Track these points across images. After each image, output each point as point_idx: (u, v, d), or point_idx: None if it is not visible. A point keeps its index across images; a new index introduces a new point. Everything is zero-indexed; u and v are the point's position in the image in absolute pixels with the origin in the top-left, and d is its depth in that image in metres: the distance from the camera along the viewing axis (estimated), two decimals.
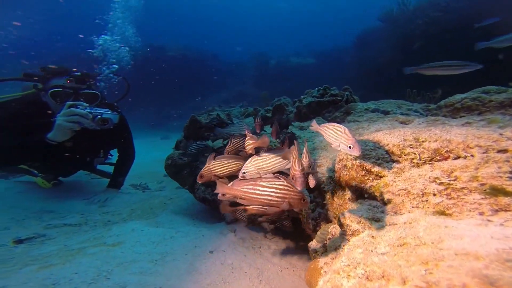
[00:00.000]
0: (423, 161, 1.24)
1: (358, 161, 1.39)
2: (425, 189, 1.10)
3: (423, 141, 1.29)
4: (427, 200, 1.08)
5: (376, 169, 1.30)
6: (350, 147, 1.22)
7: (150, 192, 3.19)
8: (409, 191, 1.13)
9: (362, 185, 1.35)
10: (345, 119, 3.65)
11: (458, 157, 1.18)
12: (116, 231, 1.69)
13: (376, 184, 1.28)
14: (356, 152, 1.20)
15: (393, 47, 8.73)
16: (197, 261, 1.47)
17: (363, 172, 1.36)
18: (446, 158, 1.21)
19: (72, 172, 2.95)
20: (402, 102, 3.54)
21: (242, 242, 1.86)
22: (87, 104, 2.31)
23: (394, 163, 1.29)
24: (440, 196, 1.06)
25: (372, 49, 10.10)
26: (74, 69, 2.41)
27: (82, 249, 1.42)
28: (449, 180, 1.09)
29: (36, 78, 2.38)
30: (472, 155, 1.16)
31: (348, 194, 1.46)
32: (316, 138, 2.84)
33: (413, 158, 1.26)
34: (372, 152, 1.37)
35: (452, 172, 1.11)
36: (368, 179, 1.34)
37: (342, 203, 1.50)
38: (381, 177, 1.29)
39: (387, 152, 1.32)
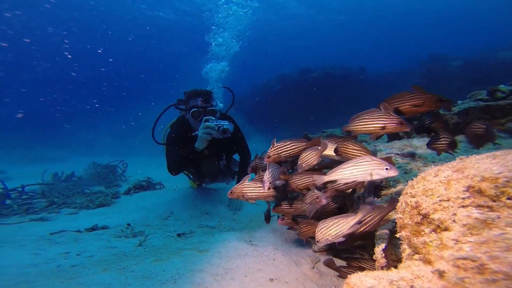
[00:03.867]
0: None
1: (414, 199, 0.75)
2: None
3: None
4: None
5: (438, 216, 0.65)
6: None
7: None
8: (484, 265, 0.46)
9: (414, 238, 0.72)
10: None
11: None
12: (214, 239, 1.93)
13: (430, 241, 0.63)
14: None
15: None
16: (251, 287, 1.38)
17: (419, 217, 0.73)
18: None
19: (213, 174, 3.43)
20: None
21: (317, 278, 1.50)
22: (214, 118, 2.77)
23: (477, 210, 0.57)
24: None
25: None
26: (203, 90, 2.93)
27: (184, 250, 1.75)
28: None
29: (181, 101, 3.01)
30: None
31: (405, 246, 0.80)
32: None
33: None
34: (440, 187, 0.68)
35: None
36: (423, 230, 0.69)
37: (406, 257, 0.83)
38: (444, 230, 0.61)
39: (467, 188, 0.62)
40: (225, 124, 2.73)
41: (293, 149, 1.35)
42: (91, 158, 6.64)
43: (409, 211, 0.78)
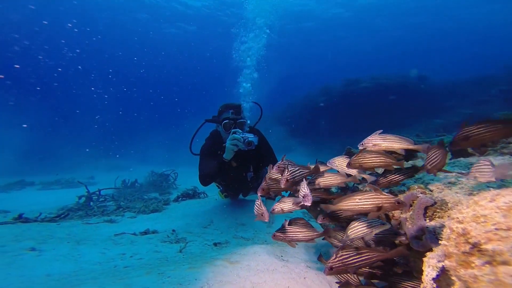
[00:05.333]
0: None
1: (461, 226, 0.58)
2: None
3: None
4: None
5: (493, 246, 0.49)
6: None
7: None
8: None
9: (461, 269, 0.55)
10: None
11: None
12: (245, 251, 1.88)
13: (481, 276, 0.46)
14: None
15: None
16: None
17: (467, 246, 0.57)
18: None
19: (240, 186, 3.44)
20: None
21: None
22: (241, 131, 2.85)
23: None
24: None
25: None
26: (234, 104, 3.04)
27: (217, 260, 1.73)
28: None
29: (215, 116, 3.16)
30: None
31: (454, 278, 0.61)
32: None
33: None
34: (497, 213, 0.51)
35: None
36: (473, 261, 0.52)
37: None
38: (503, 263, 0.44)
39: None
40: (250, 136, 2.80)
41: (301, 174, 1.50)
42: (151, 167, 7.48)
43: (455, 238, 0.61)
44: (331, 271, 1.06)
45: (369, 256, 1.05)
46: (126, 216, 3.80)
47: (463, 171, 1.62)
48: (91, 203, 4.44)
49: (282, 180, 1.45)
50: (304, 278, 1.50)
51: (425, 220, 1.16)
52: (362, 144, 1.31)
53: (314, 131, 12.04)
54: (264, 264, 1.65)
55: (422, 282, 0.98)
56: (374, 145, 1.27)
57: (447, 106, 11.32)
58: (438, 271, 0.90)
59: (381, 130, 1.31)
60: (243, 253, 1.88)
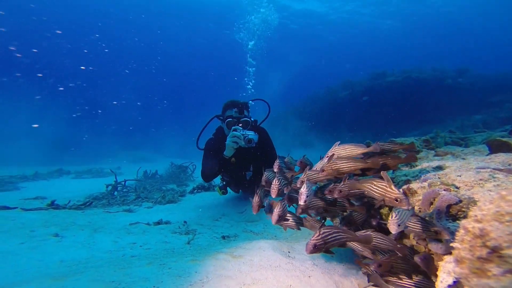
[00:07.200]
0: None
1: (479, 225, 0.46)
2: None
3: None
4: None
5: None
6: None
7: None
8: None
9: (474, 278, 0.43)
10: None
11: None
12: (251, 246, 1.83)
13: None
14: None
15: None
16: None
17: (484, 250, 0.46)
18: None
19: (239, 183, 3.43)
20: None
21: None
22: (241, 128, 2.87)
23: None
24: None
25: None
26: (239, 101, 3.07)
27: (220, 253, 1.71)
28: None
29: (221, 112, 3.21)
30: None
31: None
32: None
33: None
34: None
35: None
36: (489, 270, 0.40)
37: None
38: None
39: None
40: (250, 134, 2.83)
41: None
42: (171, 159, 7.75)
43: (470, 241, 0.49)
44: (315, 248, 1.07)
45: (341, 236, 1.12)
46: (144, 206, 3.95)
47: (501, 167, 1.40)
48: (115, 193, 4.70)
49: (272, 189, 1.51)
50: (309, 276, 1.41)
51: (448, 219, 1.01)
52: (327, 156, 1.42)
53: (334, 126, 11.55)
54: (268, 260, 1.59)
55: None
56: (337, 156, 1.39)
57: (492, 101, 10.16)
58: (455, 278, 0.77)
59: (339, 142, 1.46)
60: (248, 248, 1.83)
